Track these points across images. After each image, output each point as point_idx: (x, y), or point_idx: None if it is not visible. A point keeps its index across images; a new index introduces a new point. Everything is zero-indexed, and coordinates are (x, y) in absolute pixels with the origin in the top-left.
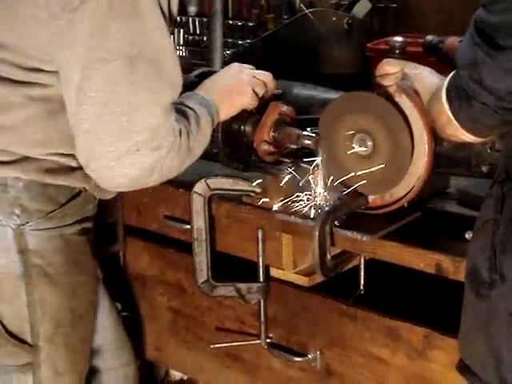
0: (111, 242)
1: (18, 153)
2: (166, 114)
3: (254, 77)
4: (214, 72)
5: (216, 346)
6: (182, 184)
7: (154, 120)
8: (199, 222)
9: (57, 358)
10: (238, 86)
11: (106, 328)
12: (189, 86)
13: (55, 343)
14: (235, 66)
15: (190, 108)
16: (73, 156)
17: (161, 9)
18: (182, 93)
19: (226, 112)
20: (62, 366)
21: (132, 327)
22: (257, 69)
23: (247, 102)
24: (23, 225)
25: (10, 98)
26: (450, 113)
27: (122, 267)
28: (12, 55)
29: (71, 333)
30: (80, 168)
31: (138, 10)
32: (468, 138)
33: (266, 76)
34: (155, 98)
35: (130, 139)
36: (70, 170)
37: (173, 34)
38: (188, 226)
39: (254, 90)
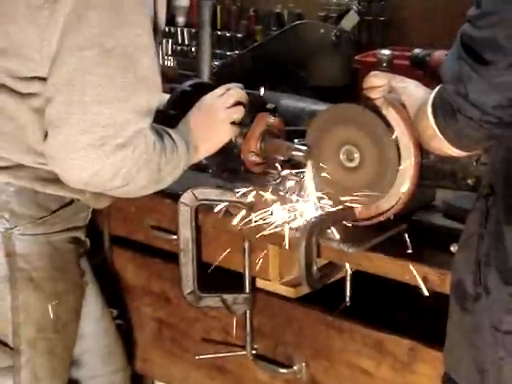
0: (98, 251)
1: (11, 159)
2: (139, 116)
3: (227, 107)
4: (207, 84)
5: (201, 357)
6: (168, 194)
7: (122, 116)
8: (186, 232)
9: (37, 363)
10: (214, 126)
11: (95, 335)
12: (182, 95)
13: (37, 348)
14: (205, 101)
15: (169, 135)
16: None
17: (145, 7)
18: (175, 101)
19: (205, 152)
20: (43, 371)
21: (125, 335)
22: (243, 81)
23: (226, 138)
24: (11, 229)
25: (11, 107)
26: (435, 127)
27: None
28: (11, 62)
29: (53, 339)
30: None
31: (119, 4)
32: (453, 151)
33: (238, 95)
34: (126, 94)
35: (94, 132)
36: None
37: (161, 44)
38: (174, 237)
39: (231, 121)
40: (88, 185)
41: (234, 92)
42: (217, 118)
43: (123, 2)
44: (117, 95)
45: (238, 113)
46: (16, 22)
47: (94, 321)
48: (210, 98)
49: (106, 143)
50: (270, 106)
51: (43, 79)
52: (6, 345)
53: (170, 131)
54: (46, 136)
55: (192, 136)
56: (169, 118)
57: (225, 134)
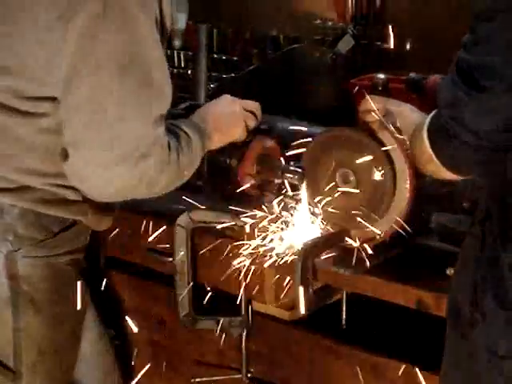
0: (94, 273)
1: (16, 180)
2: (155, 125)
3: (245, 109)
4: (198, 104)
5: (197, 380)
6: (165, 216)
7: (142, 130)
8: (182, 254)
9: None
10: (231, 117)
11: (92, 356)
12: (175, 118)
13: (37, 371)
14: (227, 97)
15: (182, 130)
16: (71, 188)
17: (155, 20)
18: None
19: (218, 141)
20: None
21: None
22: None
23: (239, 134)
24: (15, 251)
25: (16, 128)
26: (431, 151)
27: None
28: (18, 82)
29: (53, 362)
30: (76, 201)
31: (130, 21)
32: (449, 175)
33: (255, 106)
34: (144, 108)
35: (117, 148)
36: (66, 201)
37: (166, 49)
38: (170, 259)
39: (245, 123)
40: (115, 198)
41: (252, 103)
42: (235, 113)
43: (133, 18)
44: (136, 110)
45: (253, 120)
46: (23, 42)
47: (91, 343)
48: (230, 97)
49: (129, 157)
50: (263, 127)
51: (51, 99)
52: (6, 367)
53: (182, 125)
54: (65, 156)
55: (206, 124)
56: None
57: (239, 131)
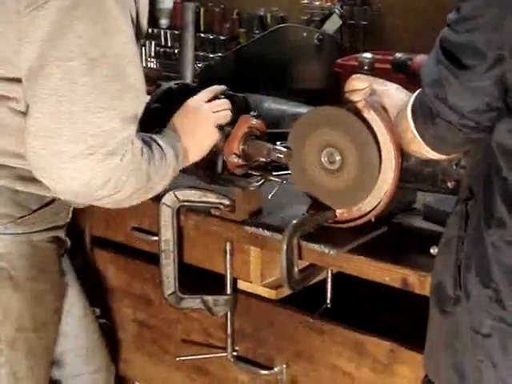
0: (79, 251)
1: None
2: (126, 123)
3: (215, 108)
4: (193, 87)
5: (182, 358)
6: None
7: (110, 125)
8: (167, 233)
9: (17, 363)
10: (202, 130)
11: (77, 334)
12: (168, 91)
13: (16, 347)
14: (190, 105)
15: (157, 143)
16: None
17: (130, 16)
18: (160, 96)
19: (193, 157)
20: (22, 371)
21: (108, 334)
22: (226, 83)
23: (213, 141)
24: None
25: None
26: (414, 130)
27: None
28: None
29: (33, 339)
30: None
31: (104, 14)
32: (432, 155)
33: (221, 104)
34: (114, 102)
35: (83, 142)
36: None
37: (144, 45)
38: (156, 238)
39: (216, 125)
40: (77, 195)
41: (221, 102)
42: (204, 122)
43: (107, 11)
44: (104, 104)
45: (225, 118)
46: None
47: (75, 320)
48: (196, 101)
49: (96, 152)
50: (252, 113)
51: (19, 80)
52: None
53: (157, 138)
54: (28, 146)
55: (180, 141)
56: (152, 111)
57: (212, 139)
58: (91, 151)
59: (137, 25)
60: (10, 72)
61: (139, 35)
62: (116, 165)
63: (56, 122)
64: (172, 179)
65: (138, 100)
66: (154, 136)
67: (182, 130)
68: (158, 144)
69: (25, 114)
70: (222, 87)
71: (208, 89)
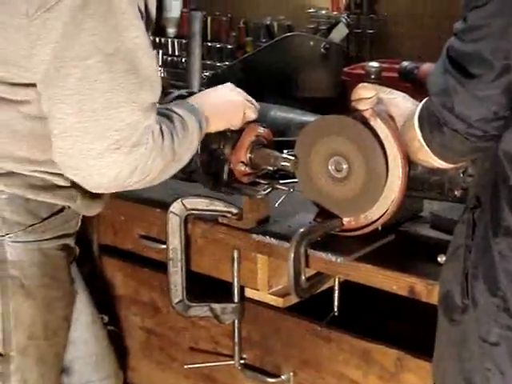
0: (87, 259)
1: (3, 167)
2: (145, 113)
3: (247, 100)
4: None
5: (190, 366)
6: (158, 203)
7: (132, 117)
8: (175, 241)
9: (27, 370)
10: (231, 103)
11: (86, 341)
12: (178, 98)
13: (27, 355)
14: (229, 85)
15: (176, 113)
16: (59, 175)
17: (138, 9)
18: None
19: (216, 124)
20: (33, 378)
21: (116, 341)
22: None
23: (237, 121)
24: (3, 236)
25: (3, 117)
26: (421, 139)
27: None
28: (2, 69)
29: (44, 346)
30: (65, 187)
31: (114, 10)
32: (439, 163)
33: (253, 100)
34: (133, 95)
35: (109, 137)
36: (55, 187)
37: (154, 35)
38: (163, 246)
39: (244, 113)
40: (108, 188)
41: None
42: (235, 101)
43: (116, 7)
44: (125, 98)
45: (254, 113)
46: (4, 30)
47: (84, 327)
48: (232, 85)
49: (122, 146)
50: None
51: (33, 85)
52: None
53: (176, 108)
54: (56, 148)
55: (202, 106)
56: None
57: (236, 119)
58: (117, 145)
59: (146, 15)
60: (21, 76)
61: (149, 25)
62: (141, 154)
63: (80, 121)
64: (198, 143)
65: (154, 89)
66: (173, 106)
67: (209, 97)
68: (178, 114)
69: (37, 118)
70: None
71: None
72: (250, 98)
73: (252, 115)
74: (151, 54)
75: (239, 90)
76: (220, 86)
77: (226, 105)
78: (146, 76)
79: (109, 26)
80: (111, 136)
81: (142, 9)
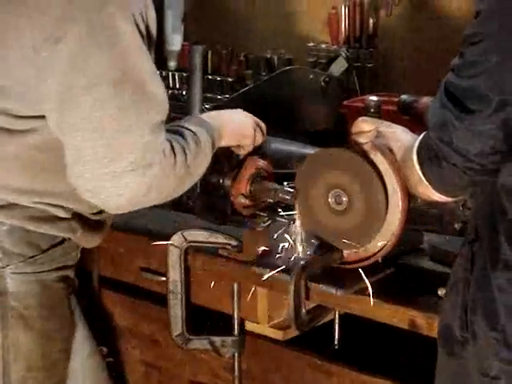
0: (86, 291)
1: (5, 199)
2: (155, 133)
3: (257, 123)
4: None
5: None
6: (158, 236)
7: (143, 139)
8: (175, 274)
9: None
10: (242, 121)
11: (84, 373)
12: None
13: None
14: (240, 110)
15: (187, 129)
16: (59, 206)
17: (139, 32)
18: None
19: (228, 138)
20: None
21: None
22: None
23: (248, 139)
24: (4, 267)
25: (6, 148)
26: (420, 173)
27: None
28: (7, 101)
29: (43, 378)
30: (66, 218)
31: (117, 36)
32: (438, 197)
33: (264, 126)
34: (143, 117)
35: (123, 160)
36: (56, 219)
37: (155, 56)
38: (163, 278)
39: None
40: (126, 208)
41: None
42: (246, 122)
43: (120, 33)
44: (135, 120)
45: (262, 136)
46: (10, 63)
47: (82, 359)
48: (239, 110)
49: (136, 167)
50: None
51: (39, 117)
52: None
53: (187, 124)
54: (74, 175)
55: (214, 120)
56: None
57: (248, 138)
58: (132, 167)
59: (148, 35)
60: (28, 108)
61: (151, 45)
62: (155, 173)
63: (93, 146)
64: (211, 156)
65: (161, 108)
66: (184, 123)
67: (219, 116)
68: (189, 129)
69: (39, 148)
70: None
71: None
72: (259, 122)
73: (259, 139)
74: (156, 75)
75: (249, 114)
76: (233, 110)
77: (238, 122)
78: (153, 95)
79: (115, 53)
80: (125, 158)
81: (143, 31)
